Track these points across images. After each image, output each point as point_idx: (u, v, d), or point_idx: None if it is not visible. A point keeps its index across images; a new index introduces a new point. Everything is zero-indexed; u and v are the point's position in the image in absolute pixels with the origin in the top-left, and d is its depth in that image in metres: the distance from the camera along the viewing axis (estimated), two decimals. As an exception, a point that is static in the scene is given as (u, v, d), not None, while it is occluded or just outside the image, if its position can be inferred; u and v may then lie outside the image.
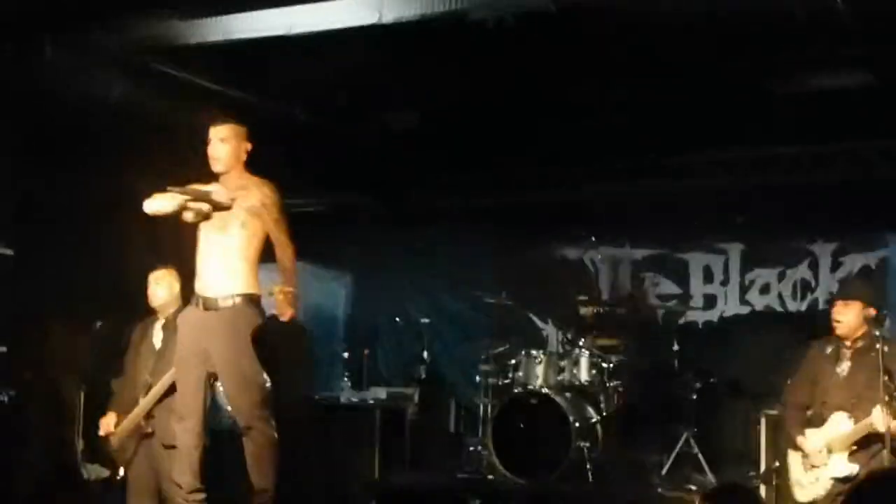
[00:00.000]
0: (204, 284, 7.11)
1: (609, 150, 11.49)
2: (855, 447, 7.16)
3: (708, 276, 12.10)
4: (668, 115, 10.30)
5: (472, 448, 10.86)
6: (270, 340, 7.02)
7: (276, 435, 6.95)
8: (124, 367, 8.22)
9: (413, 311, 13.06)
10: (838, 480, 7.16)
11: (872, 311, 7.41)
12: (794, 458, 7.58)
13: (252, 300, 7.08)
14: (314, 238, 12.90)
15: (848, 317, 7.40)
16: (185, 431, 7.03)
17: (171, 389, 7.52)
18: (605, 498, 9.52)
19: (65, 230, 9.53)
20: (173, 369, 7.42)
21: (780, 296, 11.78)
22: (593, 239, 11.80)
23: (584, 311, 11.16)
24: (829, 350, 7.53)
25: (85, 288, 9.45)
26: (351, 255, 13.83)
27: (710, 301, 12.04)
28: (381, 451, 10.47)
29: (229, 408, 7.09)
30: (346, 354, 11.87)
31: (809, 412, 7.55)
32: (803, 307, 11.64)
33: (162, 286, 8.14)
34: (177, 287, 8.13)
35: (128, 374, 8.16)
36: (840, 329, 7.42)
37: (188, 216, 7.04)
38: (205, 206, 7.02)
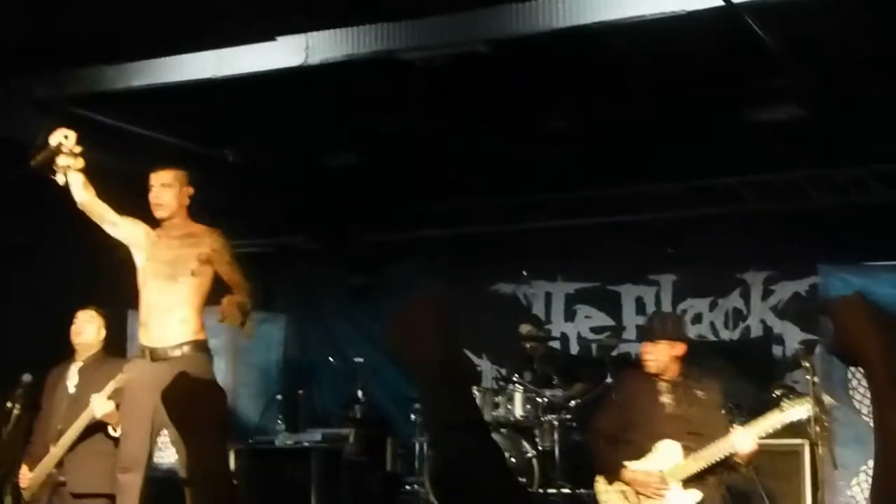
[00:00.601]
0: (151, 335, 7.01)
1: (542, 184, 11.55)
2: (692, 477, 7.05)
3: (640, 308, 12.15)
4: (601, 148, 10.37)
5: (408, 486, 10.80)
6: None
7: (231, 482, 6.88)
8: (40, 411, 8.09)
9: (348, 350, 13.03)
10: None
11: (680, 348, 7.48)
12: (609, 494, 7.43)
13: (201, 346, 7.03)
14: (249, 280, 12.89)
15: (655, 355, 7.44)
16: (127, 484, 6.92)
17: (84, 435, 7.44)
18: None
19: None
20: (87, 412, 7.34)
21: (712, 325, 11.85)
22: (524, 273, 11.81)
23: (526, 343, 11.08)
24: (644, 382, 7.51)
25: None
26: (286, 295, 13.78)
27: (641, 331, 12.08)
28: (316, 493, 10.40)
29: (176, 457, 6.99)
30: (279, 397, 11.77)
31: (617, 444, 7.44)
32: (736, 335, 11.71)
33: (91, 326, 7.99)
34: (104, 331, 8.03)
35: (40, 421, 8.02)
36: (651, 367, 7.45)
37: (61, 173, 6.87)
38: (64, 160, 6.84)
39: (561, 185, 11.57)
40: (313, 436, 11.10)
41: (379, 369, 12.55)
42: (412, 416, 11.16)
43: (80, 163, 6.85)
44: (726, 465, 7.07)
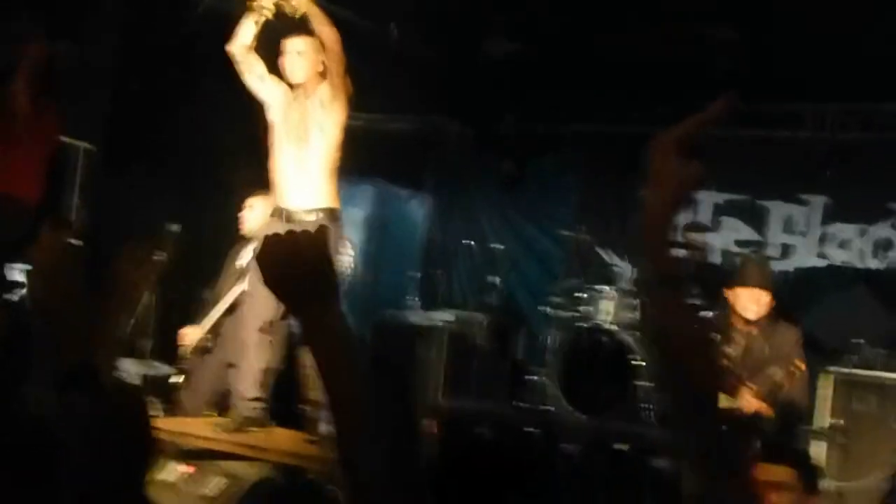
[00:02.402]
0: (286, 196, 7.14)
1: (707, 90, 11.36)
2: None
3: (788, 226, 11.96)
4: (769, 60, 10.17)
5: (535, 378, 10.89)
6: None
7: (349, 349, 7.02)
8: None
9: (490, 237, 13.08)
10: None
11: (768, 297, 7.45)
12: None
13: (334, 214, 7.13)
14: (398, 157, 13.00)
15: (745, 300, 7.56)
16: (258, 342, 7.11)
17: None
18: (665, 440, 9.51)
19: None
20: (238, 286, 7.51)
21: (860, 252, 11.63)
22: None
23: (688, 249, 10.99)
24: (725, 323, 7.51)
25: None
26: (434, 177, 13.84)
27: (786, 251, 11.91)
28: (445, 372, 10.55)
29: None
30: (417, 274, 11.91)
31: None
32: (882, 265, 11.48)
33: (255, 212, 8.17)
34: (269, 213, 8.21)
35: (215, 295, 8.30)
36: (750, 315, 7.42)
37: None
38: None
39: (722, 93, 11.37)
40: (447, 316, 11.23)
41: (518, 260, 12.60)
42: (546, 310, 11.20)
43: (271, 12, 6.99)
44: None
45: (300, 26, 7.13)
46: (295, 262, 2.42)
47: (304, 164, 7.07)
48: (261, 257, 2.40)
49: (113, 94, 10.05)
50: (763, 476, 4.14)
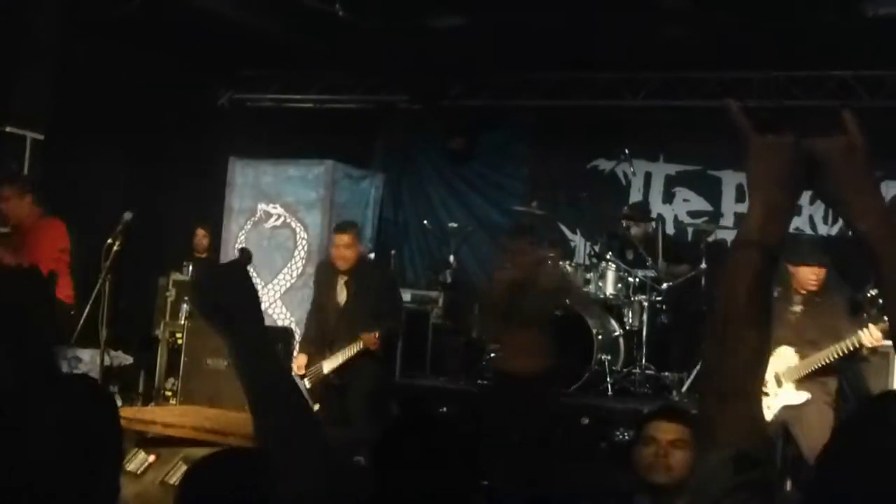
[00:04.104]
0: None
1: (652, 62, 11.39)
2: (804, 378, 7.51)
3: (740, 195, 11.99)
4: (714, 29, 10.20)
5: (493, 354, 10.87)
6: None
7: None
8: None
9: (442, 214, 13.07)
10: (789, 408, 7.51)
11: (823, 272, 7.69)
12: None
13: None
14: (348, 136, 12.94)
15: (820, 277, 7.62)
16: None
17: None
18: (624, 412, 9.54)
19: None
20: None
21: (810, 218, 11.69)
22: (626, 151, 11.64)
23: (630, 226, 11.03)
24: (779, 291, 7.69)
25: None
26: (384, 154, 13.79)
27: (741, 220, 11.90)
28: (402, 352, 10.51)
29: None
30: (371, 255, 11.85)
31: None
32: (833, 231, 11.54)
33: (351, 249, 8.41)
34: (360, 246, 8.67)
35: (316, 313, 8.74)
36: (811, 286, 7.59)
37: None
38: None
39: (670, 64, 11.40)
40: (403, 296, 11.19)
41: (471, 236, 12.59)
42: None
43: None
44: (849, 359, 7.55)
45: None
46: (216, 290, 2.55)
47: None
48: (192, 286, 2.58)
49: (57, 79, 9.92)
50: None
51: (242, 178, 11.57)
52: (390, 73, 12.68)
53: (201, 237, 12.10)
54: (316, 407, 8.09)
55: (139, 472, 6.73)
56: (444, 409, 9.74)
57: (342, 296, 8.47)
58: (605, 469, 8.30)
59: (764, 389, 7.43)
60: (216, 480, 2.61)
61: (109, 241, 7.74)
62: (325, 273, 8.72)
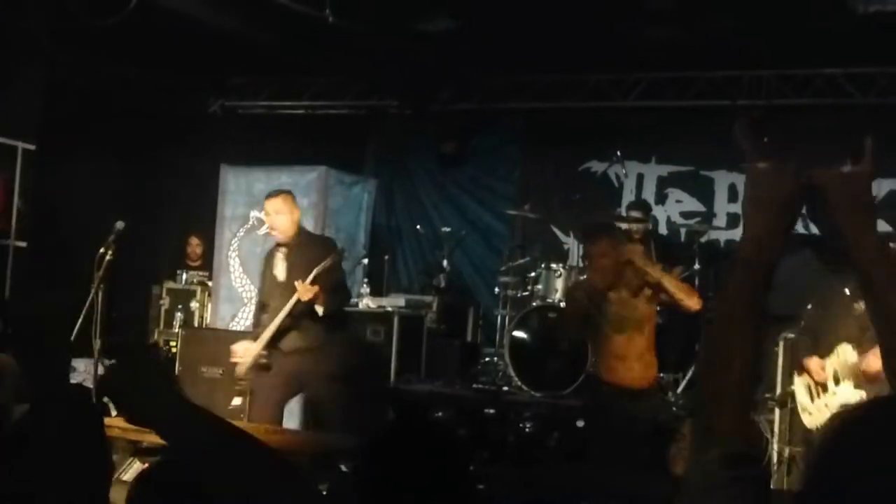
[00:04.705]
0: None
1: (642, 63, 11.40)
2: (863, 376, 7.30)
3: (733, 195, 12.00)
4: (702, 30, 10.19)
5: (488, 359, 10.88)
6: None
7: None
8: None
9: (435, 218, 13.07)
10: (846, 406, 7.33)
11: None
12: (799, 383, 7.68)
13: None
14: (340, 142, 12.94)
15: None
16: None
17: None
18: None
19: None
20: (291, 300, 7.53)
21: (802, 217, 11.64)
22: (618, 153, 11.65)
23: (626, 224, 10.99)
24: (850, 285, 7.56)
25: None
26: (376, 160, 13.80)
27: (733, 220, 11.95)
28: (397, 357, 10.51)
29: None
30: (364, 260, 11.85)
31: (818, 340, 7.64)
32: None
33: (282, 215, 7.87)
34: (297, 213, 7.96)
35: (258, 303, 8.32)
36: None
37: None
38: None
39: (660, 65, 11.41)
40: (396, 301, 11.20)
41: (464, 240, 12.59)
42: (495, 289, 11.20)
43: None
44: None
45: None
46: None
47: None
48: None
49: (47, 89, 9.91)
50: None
51: (235, 186, 11.55)
52: (381, 79, 12.67)
53: (195, 245, 12.12)
54: (238, 401, 7.90)
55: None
56: (440, 413, 9.73)
57: (280, 270, 7.90)
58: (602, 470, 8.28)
59: (823, 387, 7.50)
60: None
61: (102, 250, 7.72)
62: (269, 253, 8.16)
